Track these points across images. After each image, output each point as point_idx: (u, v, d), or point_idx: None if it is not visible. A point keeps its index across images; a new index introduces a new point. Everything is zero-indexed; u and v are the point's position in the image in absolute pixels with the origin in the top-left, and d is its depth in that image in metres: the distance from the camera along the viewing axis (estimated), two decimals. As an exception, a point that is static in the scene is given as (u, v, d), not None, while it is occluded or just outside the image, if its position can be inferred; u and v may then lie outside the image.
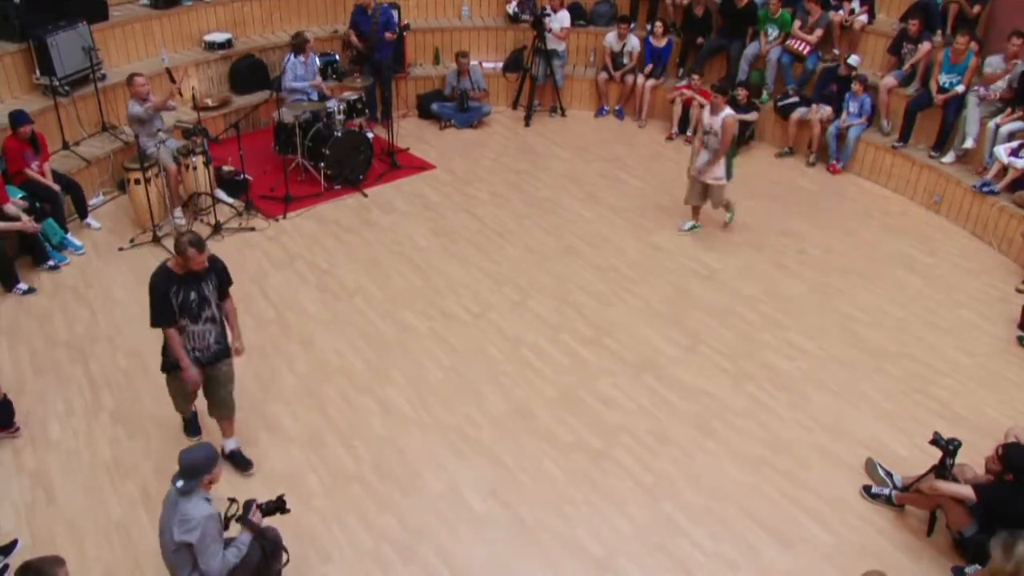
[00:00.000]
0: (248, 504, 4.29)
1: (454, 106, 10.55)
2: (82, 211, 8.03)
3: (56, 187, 7.63)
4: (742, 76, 10.31)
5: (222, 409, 5.36)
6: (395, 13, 10.16)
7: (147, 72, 8.44)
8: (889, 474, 5.45)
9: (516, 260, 7.83)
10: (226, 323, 5.20)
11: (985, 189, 8.34)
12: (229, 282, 5.17)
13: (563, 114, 10.97)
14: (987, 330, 7.07)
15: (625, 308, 7.20)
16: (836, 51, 9.97)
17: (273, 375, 6.27)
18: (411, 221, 8.43)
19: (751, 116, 9.98)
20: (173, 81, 8.07)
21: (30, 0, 8.48)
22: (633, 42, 10.66)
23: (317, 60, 9.56)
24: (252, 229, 8.16)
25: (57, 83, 8.35)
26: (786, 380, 6.42)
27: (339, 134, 8.69)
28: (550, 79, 10.71)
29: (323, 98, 9.32)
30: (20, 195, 7.29)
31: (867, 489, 5.42)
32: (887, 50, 9.65)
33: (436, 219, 8.48)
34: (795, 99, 9.92)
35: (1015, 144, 8.24)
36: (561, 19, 10.45)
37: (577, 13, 11.07)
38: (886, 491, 5.36)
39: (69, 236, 7.70)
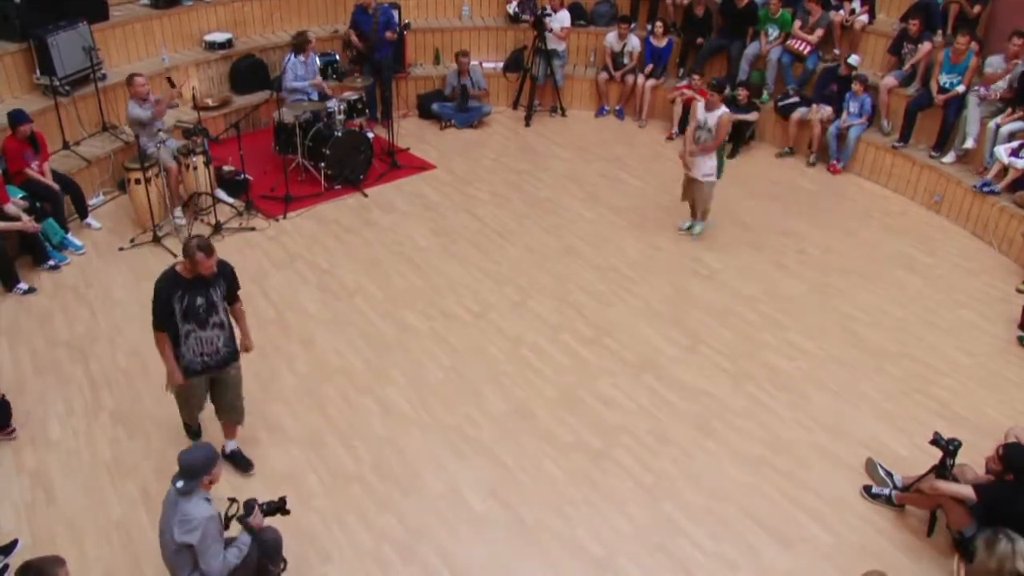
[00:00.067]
0: (249, 504, 4.29)
1: (454, 106, 10.55)
2: (81, 211, 8.03)
3: (56, 187, 7.63)
4: (743, 76, 10.31)
5: (231, 414, 5.32)
6: (396, 13, 10.17)
7: (147, 72, 8.46)
8: (889, 474, 5.44)
9: (516, 260, 7.83)
10: (234, 325, 5.16)
11: (986, 189, 8.33)
12: (238, 287, 5.13)
13: (563, 114, 10.97)
14: (987, 330, 7.07)
15: (625, 308, 7.20)
16: (836, 51, 9.97)
17: (273, 375, 6.27)
18: (411, 221, 8.43)
19: (752, 116, 9.98)
20: (173, 86, 8.06)
21: (30, 0, 8.49)
22: (633, 42, 10.66)
23: (317, 60, 9.56)
24: (252, 229, 8.16)
25: (57, 83, 8.36)
26: (786, 380, 6.42)
27: (339, 134, 8.69)
28: (550, 79, 10.70)
29: (323, 98, 9.32)
30: (20, 195, 7.29)
31: (867, 489, 5.42)
32: (887, 50, 9.64)
33: (436, 219, 8.48)
34: (795, 99, 9.91)
35: (1015, 144, 8.24)
36: (561, 19, 10.45)
37: (577, 13, 11.07)
38: (886, 491, 5.36)
39: (69, 236, 7.70)
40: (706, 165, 7.75)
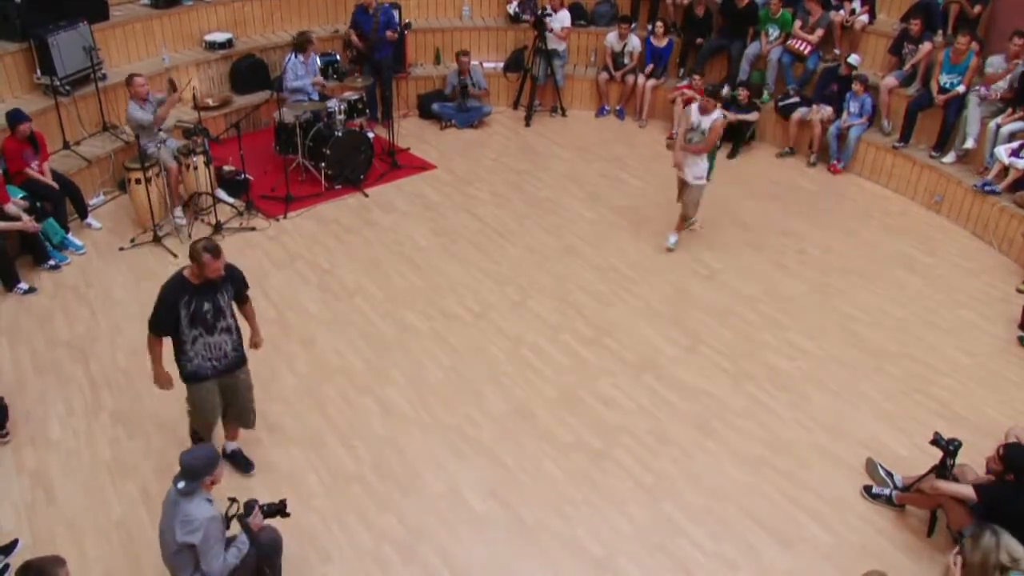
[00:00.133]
0: (249, 505, 4.29)
1: (455, 106, 10.55)
2: (81, 211, 8.03)
3: (56, 186, 7.63)
4: (743, 76, 10.30)
5: (241, 418, 5.29)
6: (396, 13, 10.17)
7: (147, 72, 8.46)
8: (889, 474, 5.44)
9: (516, 260, 7.83)
10: (242, 327, 5.12)
11: (986, 189, 8.33)
12: (246, 287, 5.11)
13: (564, 114, 10.96)
14: (987, 330, 7.07)
15: (625, 308, 7.20)
16: (837, 51, 9.97)
17: (273, 375, 6.27)
18: (412, 221, 8.43)
19: (752, 116, 9.98)
20: (175, 89, 8.06)
21: (31, 0, 8.49)
22: (634, 42, 10.65)
23: (318, 60, 9.56)
24: (253, 229, 8.16)
25: (58, 83, 8.36)
26: (786, 380, 6.42)
27: (340, 134, 8.70)
28: (551, 79, 10.70)
29: (324, 98, 9.33)
30: (21, 195, 7.29)
31: (867, 489, 5.42)
32: (888, 50, 9.64)
33: (437, 219, 8.48)
34: (796, 99, 9.91)
35: (1016, 144, 8.24)
36: (562, 19, 10.45)
37: (578, 13, 11.07)
38: (886, 491, 5.36)
39: (70, 236, 7.70)
40: (697, 168, 7.71)
